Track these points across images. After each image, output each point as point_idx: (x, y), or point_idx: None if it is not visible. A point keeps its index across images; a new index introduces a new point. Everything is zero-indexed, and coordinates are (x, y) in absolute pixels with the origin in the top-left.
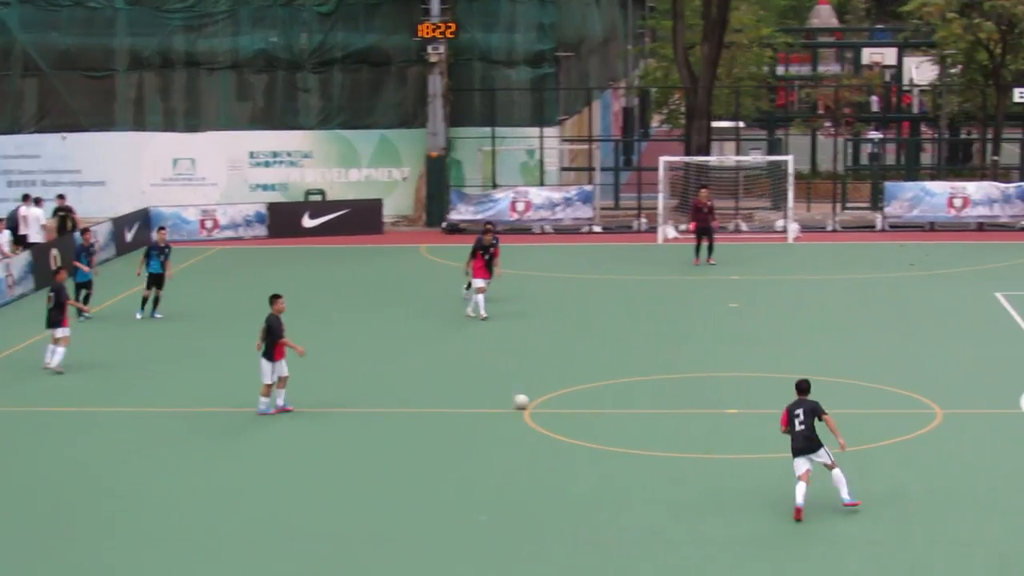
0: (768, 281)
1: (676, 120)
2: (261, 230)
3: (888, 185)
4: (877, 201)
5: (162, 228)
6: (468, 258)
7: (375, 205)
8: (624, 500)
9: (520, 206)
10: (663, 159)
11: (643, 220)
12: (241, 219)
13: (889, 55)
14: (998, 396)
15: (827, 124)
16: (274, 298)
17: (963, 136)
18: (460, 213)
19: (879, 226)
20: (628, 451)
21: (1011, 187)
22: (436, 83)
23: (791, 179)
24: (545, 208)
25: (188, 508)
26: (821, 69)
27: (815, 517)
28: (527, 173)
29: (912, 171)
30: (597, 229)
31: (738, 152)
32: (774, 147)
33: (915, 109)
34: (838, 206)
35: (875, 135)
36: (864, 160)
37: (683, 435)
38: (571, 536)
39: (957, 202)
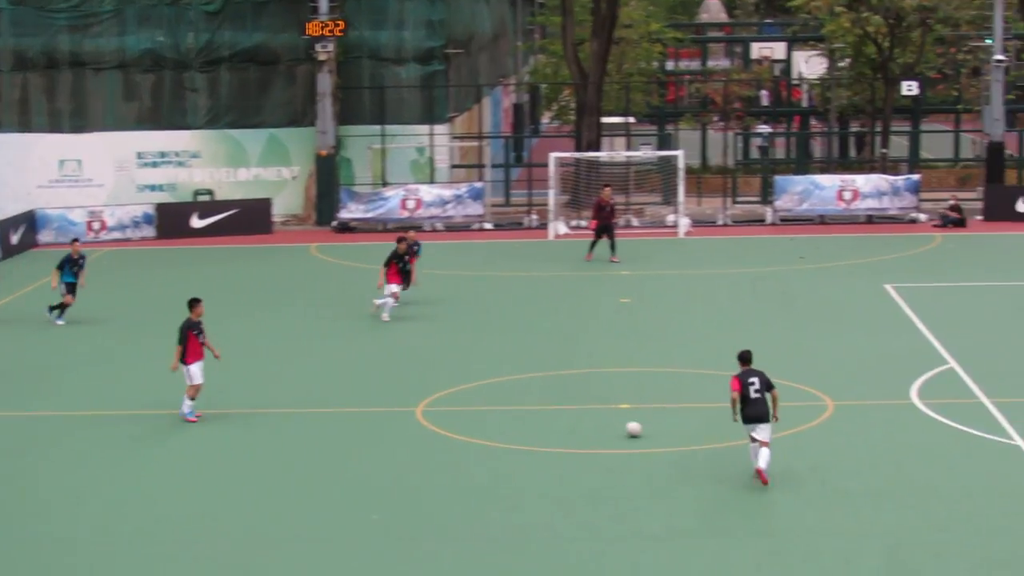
0: (659, 276)
1: (566, 116)
2: (149, 231)
3: (778, 179)
4: (767, 195)
5: (75, 240)
6: (383, 267)
7: (264, 205)
8: (516, 497)
9: (411, 204)
10: (553, 155)
11: (534, 216)
12: (129, 220)
13: (778, 49)
14: (889, 387)
15: (716, 119)
16: (194, 302)
17: (852, 129)
18: (350, 212)
19: (769, 220)
20: (520, 448)
21: (900, 179)
22: (325, 81)
23: (682, 174)
24: (436, 206)
25: (89, 511)
26: (711, 64)
27: (707, 510)
28: (417, 171)
29: (802, 165)
30: (488, 226)
31: (628, 147)
32: (664, 142)
33: (805, 103)
34: (728, 200)
35: (765, 129)
36: (755, 154)
37: (575, 431)
38: (464, 533)
39: (847, 195)
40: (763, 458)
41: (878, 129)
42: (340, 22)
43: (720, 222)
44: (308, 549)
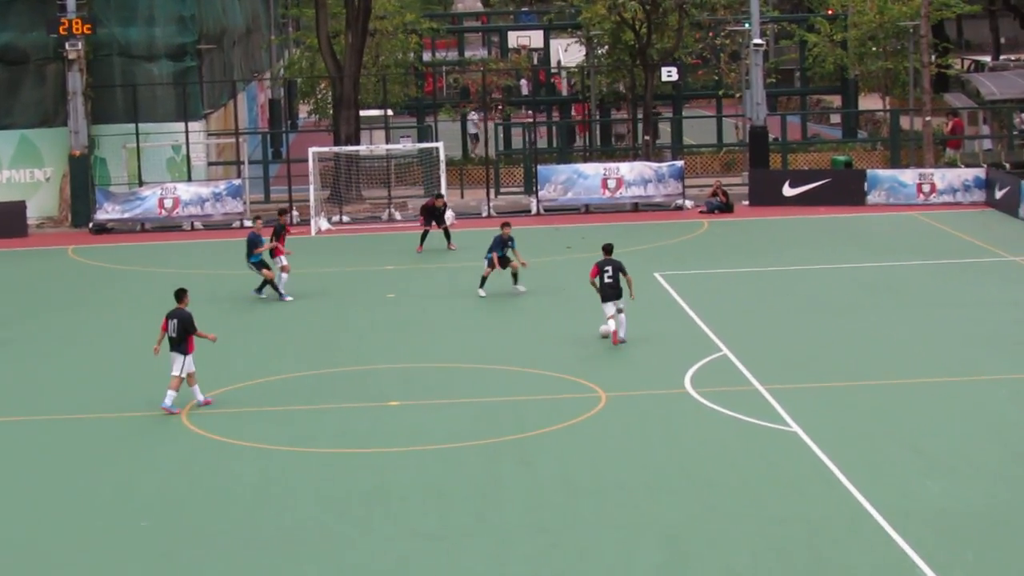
0: (424, 269)
1: (324, 110)
2: None
3: (541, 168)
4: (531, 185)
5: None
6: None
7: (18, 207)
8: (287, 498)
9: (168, 203)
10: (312, 150)
11: (295, 213)
12: None
13: (536, 38)
14: (662, 376)
15: (473, 111)
16: (181, 293)
17: (614, 117)
18: (107, 212)
19: (534, 210)
20: (290, 449)
21: (664, 166)
22: (75, 80)
23: (443, 166)
24: (194, 204)
25: None
26: (468, 54)
27: (482, 507)
28: (174, 169)
29: (565, 154)
30: (248, 223)
31: (388, 140)
32: (424, 134)
33: (565, 91)
34: (492, 191)
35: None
36: (517, 144)
37: (346, 430)
38: (235, 537)
39: (611, 183)
40: (621, 326)
41: (640, 116)
42: (88, 20)
43: (484, 213)
44: (75, 558)
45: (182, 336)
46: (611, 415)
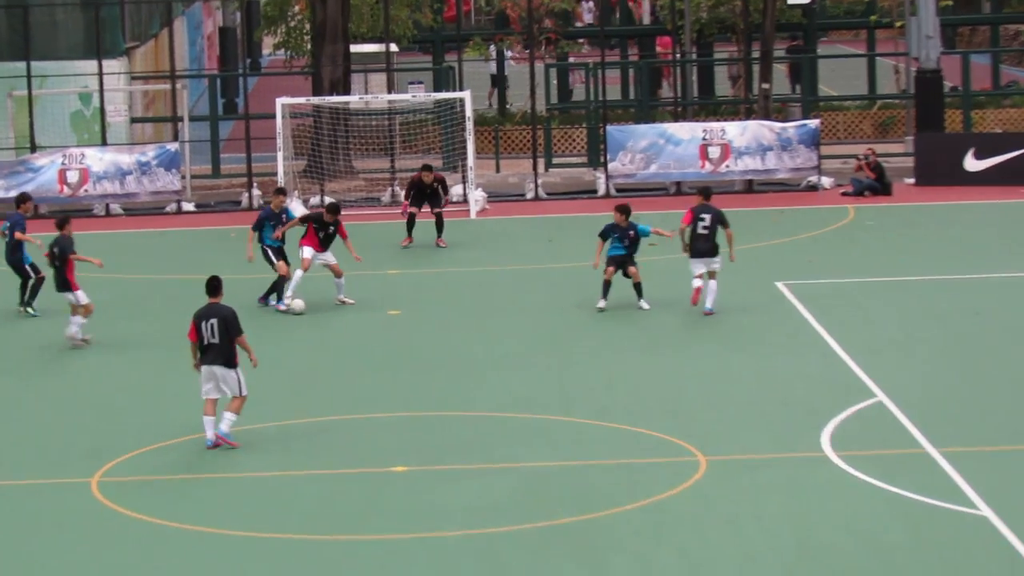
0: (440, 275)
1: (298, 44)
2: None
3: (612, 130)
4: (597, 154)
5: None
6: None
7: None
8: None
9: (73, 177)
10: (281, 101)
11: (256, 192)
12: None
13: None
14: (789, 433)
15: (518, 45)
16: (216, 284)
17: (719, 57)
18: None
19: (602, 190)
20: (246, 534)
21: (790, 128)
22: None
23: (470, 126)
24: (110, 179)
25: None
26: None
27: None
28: (82, 127)
29: (646, 109)
30: (189, 207)
31: (391, 88)
32: (443, 80)
33: (647, 20)
34: (540, 163)
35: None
36: (578, 95)
37: (329, 506)
38: None
39: (713, 152)
40: (711, 293)
41: (755, 55)
42: None
43: (530, 195)
44: None
45: (226, 341)
46: (714, 488)
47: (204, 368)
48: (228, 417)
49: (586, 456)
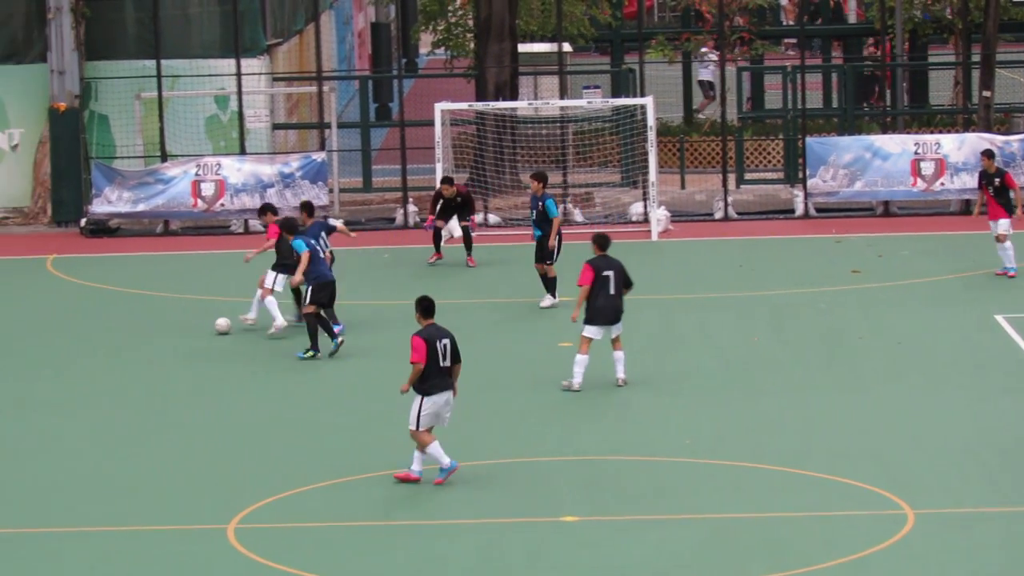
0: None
1: (460, 43)
2: None
3: (813, 143)
4: (795, 169)
5: None
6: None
7: None
8: None
9: (208, 190)
10: (440, 107)
11: (412, 208)
12: None
13: None
14: (1006, 483)
15: (707, 47)
16: (429, 306)
17: (934, 60)
18: (110, 203)
19: (800, 210)
20: None
21: (1015, 140)
22: None
23: (652, 136)
24: (249, 192)
25: None
26: None
27: None
28: (217, 133)
29: (851, 119)
30: (337, 224)
31: (564, 94)
32: (622, 84)
33: (852, 19)
34: (731, 179)
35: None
36: (773, 103)
37: (490, 557)
38: None
39: (926, 168)
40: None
41: (974, 59)
42: None
43: (718, 215)
44: None
45: (452, 367)
46: (923, 545)
47: (440, 395)
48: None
49: (779, 507)
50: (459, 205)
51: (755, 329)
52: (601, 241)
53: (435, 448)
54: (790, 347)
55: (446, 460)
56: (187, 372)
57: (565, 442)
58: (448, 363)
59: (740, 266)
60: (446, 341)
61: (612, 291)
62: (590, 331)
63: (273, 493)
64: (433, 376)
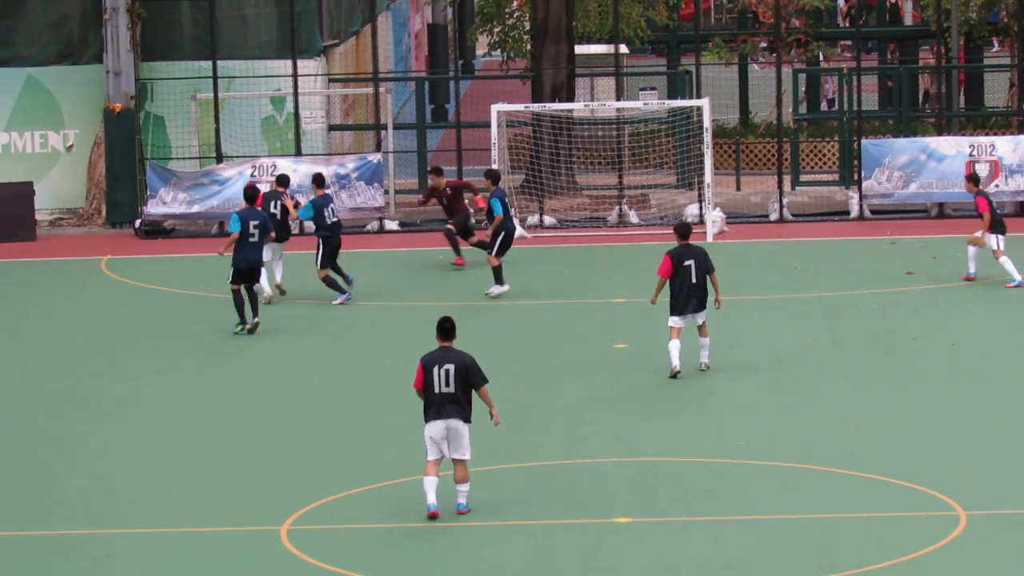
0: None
1: (517, 45)
2: None
3: (868, 144)
4: (850, 171)
5: None
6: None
7: (22, 193)
8: None
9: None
10: (497, 108)
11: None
12: None
13: None
14: None
15: (763, 46)
16: (449, 328)
17: (990, 63)
18: (165, 204)
19: (855, 211)
20: None
21: None
22: None
23: (708, 138)
24: (305, 193)
25: None
26: None
27: None
28: (273, 134)
29: (907, 120)
30: (392, 226)
31: (620, 95)
32: (678, 86)
33: (908, 20)
34: (787, 180)
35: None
36: (828, 105)
37: (544, 557)
38: None
39: (981, 170)
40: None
41: None
42: None
43: (774, 216)
44: None
45: (462, 392)
46: (975, 546)
47: (434, 423)
48: (463, 490)
49: (831, 508)
50: (449, 197)
51: (809, 330)
52: (682, 230)
53: (427, 483)
54: (844, 348)
55: (429, 499)
56: (240, 373)
57: (618, 443)
58: (451, 389)
59: (795, 267)
60: (448, 367)
61: (694, 280)
62: (674, 321)
63: (327, 494)
64: (430, 403)
